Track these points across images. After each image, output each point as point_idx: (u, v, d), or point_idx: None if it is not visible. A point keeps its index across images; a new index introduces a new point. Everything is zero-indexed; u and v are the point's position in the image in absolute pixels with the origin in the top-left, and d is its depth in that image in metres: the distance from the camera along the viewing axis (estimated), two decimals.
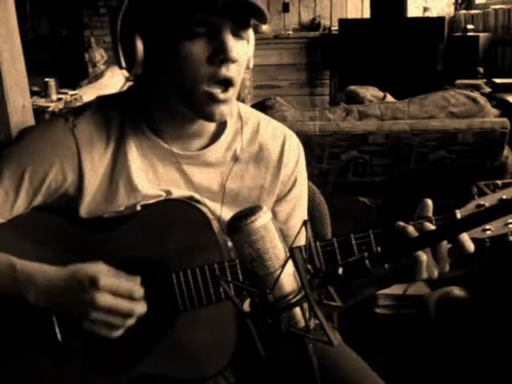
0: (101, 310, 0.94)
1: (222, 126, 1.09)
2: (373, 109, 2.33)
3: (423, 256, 0.89)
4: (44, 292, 0.96)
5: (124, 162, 1.03)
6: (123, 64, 0.97)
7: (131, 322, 0.97)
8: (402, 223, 0.93)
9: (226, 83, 0.94)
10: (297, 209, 1.16)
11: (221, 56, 0.92)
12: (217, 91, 0.94)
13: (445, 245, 0.91)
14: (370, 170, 2.31)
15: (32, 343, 1.02)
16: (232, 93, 0.96)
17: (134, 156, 1.04)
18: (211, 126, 1.08)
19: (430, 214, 0.96)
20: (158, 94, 1.01)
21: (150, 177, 1.05)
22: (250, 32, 0.99)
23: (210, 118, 0.98)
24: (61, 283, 0.96)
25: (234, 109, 1.11)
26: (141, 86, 1.05)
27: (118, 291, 0.95)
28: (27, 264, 0.99)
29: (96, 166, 1.03)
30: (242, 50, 0.96)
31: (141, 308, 0.97)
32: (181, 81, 0.95)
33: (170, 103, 1.00)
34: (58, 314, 0.99)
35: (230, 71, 0.93)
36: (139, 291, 0.97)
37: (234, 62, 0.93)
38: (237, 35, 0.94)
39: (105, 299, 0.94)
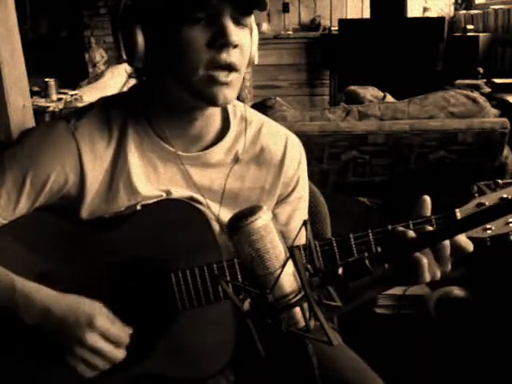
0: (87, 349, 0.96)
1: (225, 127, 1.08)
2: (373, 109, 2.33)
3: (424, 259, 0.89)
4: (39, 317, 0.97)
5: (124, 162, 1.03)
6: (124, 56, 0.97)
7: (107, 366, 0.99)
8: (401, 228, 0.93)
9: (228, 68, 0.93)
10: (298, 211, 1.15)
11: (220, 40, 0.91)
12: (218, 74, 0.93)
13: (447, 245, 0.90)
14: (369, 170, 2.31)
15: (32, 342, 1.02)
16: (235, 77, 0.94)
17: (135, 157, 1.04)
18: (214, 127, 1.07)
19: (429, 211, 0.95)
20: (160, 88, 1.00)
21: (151, 177, 1.05)
22: (252, 21, 0.98)
23: (212, 101, 0.95)
24: (58, 311, 0.97)
25: (237, 110, 1.10)
26: (142, 83, 1.05)
27: (108, 335, 0.97)
28: (28, 285, 0.99)
29: (97, 167, 1.03)
30: (244, 36, 0.95)
31: (120, 355, 0.99)
32: (181, 67, 0.93)
33: (171, 97, 0.99)
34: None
35: (231, 56, 0.92)
36: (125, 339, 0.99)
37: (234, 46, 0.92)
38: (237, 22, 0.93)
39: (93, 339, 0.96)
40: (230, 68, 0.93)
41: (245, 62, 0.97)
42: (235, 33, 0.92)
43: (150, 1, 0.95)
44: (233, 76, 0.94)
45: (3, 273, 1.00)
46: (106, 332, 0.97)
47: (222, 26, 0.91)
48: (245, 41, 0.95)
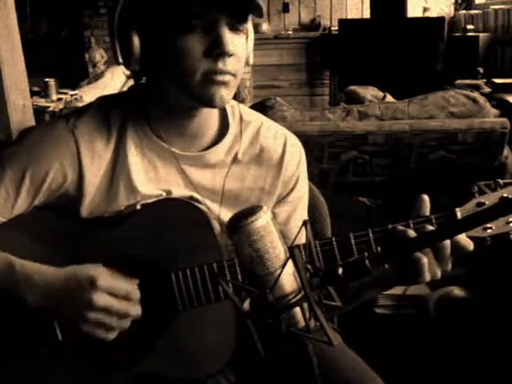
0: (97, 310, 0.94)
1: (224, 128, 1.09)
2: (373, 109, 2.33)
3: (424, 259, 0.89)
4: (42, 293, 0.96)
5: (124, 161, 1.03)
6: (120, 60, 0.98)
7: (126, 323, 0.97)
8: (401, 227, 0.93)
9: (224, 73, 0.94)
10: (297, 210, 1.15)
11: (216, 50, 0.92)
12: (214, 76, 0.94)
13: (447, 244, 0.90)
14: (369, 170, 2.31)
15: (32, 342, 1.02)
16: (231, 78, 0.95)
17: (134, 156, 1.04)
18: (212, 127, 1.08)
19: (428, 211, 0.95)
20: (158, 88, 1.01)
21: (151, 176, 1.05)
22: (249, 26, 0.99)
23: (209, 101, 0.96)
24: (59, 283, 0.96)
25: (236, 111, 1.11)
26: (140, 83, 1.05)
27: (115, 292, 0.95)
28: (26, 264, 0.98)
29: (96, 165, 1.03)
30: (240, 43, 0.96)
31: (136, 310, 0.98)
32: (178, 72, 0.94)
33: (170, 97, 1.00)
34: (55, 316, 0.99)
35: (227, 65, 0.93)
36: (136, 293, 0.98)
37: (230, 55, 0.93)
38: (234, 29, 0.94)
39: (101, 299, 0.94)
40: (227, 73, 0.94)
41: (241, 67, 0.98)
42: (231, 41, 0.92)
43: (147, 8, 0.95)
44: (229, 77, 0.95)
45: (2, 256, 1.00)
46: (112, 288, 0.95)
47: (218, 35, 0.92)
48: (241, 48, 0.96)
